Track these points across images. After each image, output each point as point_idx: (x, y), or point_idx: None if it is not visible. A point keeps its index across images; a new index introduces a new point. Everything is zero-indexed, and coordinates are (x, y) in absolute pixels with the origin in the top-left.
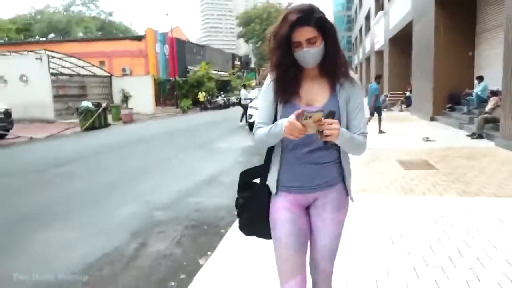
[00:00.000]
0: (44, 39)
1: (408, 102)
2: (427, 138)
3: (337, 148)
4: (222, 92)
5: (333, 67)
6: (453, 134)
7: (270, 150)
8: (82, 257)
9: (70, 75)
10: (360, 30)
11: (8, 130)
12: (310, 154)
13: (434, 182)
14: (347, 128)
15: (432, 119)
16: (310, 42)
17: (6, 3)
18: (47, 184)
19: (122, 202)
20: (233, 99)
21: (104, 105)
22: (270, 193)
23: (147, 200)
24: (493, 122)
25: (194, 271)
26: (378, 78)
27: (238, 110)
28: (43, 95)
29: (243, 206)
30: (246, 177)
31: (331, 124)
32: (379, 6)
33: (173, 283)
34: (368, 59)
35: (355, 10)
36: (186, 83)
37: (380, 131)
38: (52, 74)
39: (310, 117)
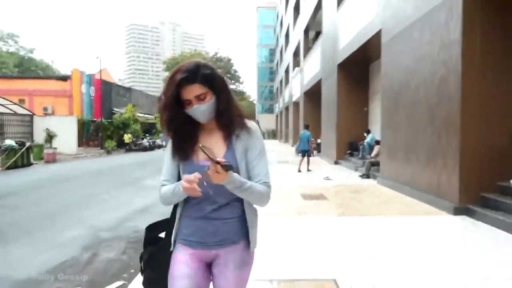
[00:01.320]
0: None
1: (318, 148)
2: (327, 177)
3: (240, 203)
4: (147, 135)
5: (227, 120)
6: (349, 175)
7: (176, 204)
8: (44, 264)
9: None
10: (281, 81)
11: None
12: (213, 211)
13: (323, 208)
14: (249, 178)
15: (336, 162)
16: (199, 98)
17: None
18: (2, 212)
19: (67, 226)
20: (158, 141)
21: (28, 144)
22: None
23: (90, 224)
24: (377, 165)
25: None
26: (307, 126)
27: (163, 152)
28: None
29: (147, 263)
30: (151, 231)
31: (218, 172)
32: (297, 62)
33: (125, 275)
34: (287, 108)
35: (276, 63)
36: (112, 125)
37: (308, 170)
38: None
39: (209, 155)
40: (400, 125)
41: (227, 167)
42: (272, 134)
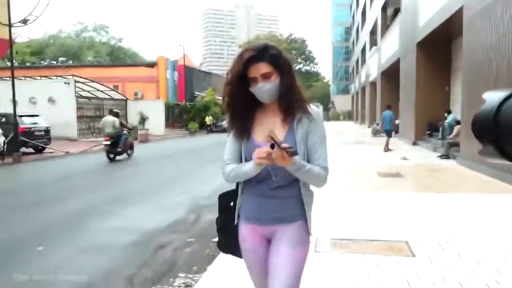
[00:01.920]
0: (58, 63)
1: (396, 128)
2: (405, 157)
3: (298, 184)
4: (226, 117)
5: (290, 102)
6: (427, 155)
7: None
8: (161, 221)
9: (91, 98)
10: (357, 61)
11: (46, 145)
12: (271, 190)
13: (398, 184)
14: (309, 161)
15: (414, 143)
16: (265, 76)
17: (23, 28)
18: (112, 183)
19: (173, 194)
20: None
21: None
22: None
23: (191, 193)
24: (456, 145)
25: None
26: (389, 107)
27: None
28: (68, 116)
29: (219, 228)
30: (224, 199)
31: (283, 158)
32: (374, 41)
33: None
34: (363, 89)
35: (352, 42)
36: (194, 108)
37: (387, 149)
38: (77, 96)
39: (275, 141)
40: (480, 103)
41: (293, 153)
42: (348, 115)
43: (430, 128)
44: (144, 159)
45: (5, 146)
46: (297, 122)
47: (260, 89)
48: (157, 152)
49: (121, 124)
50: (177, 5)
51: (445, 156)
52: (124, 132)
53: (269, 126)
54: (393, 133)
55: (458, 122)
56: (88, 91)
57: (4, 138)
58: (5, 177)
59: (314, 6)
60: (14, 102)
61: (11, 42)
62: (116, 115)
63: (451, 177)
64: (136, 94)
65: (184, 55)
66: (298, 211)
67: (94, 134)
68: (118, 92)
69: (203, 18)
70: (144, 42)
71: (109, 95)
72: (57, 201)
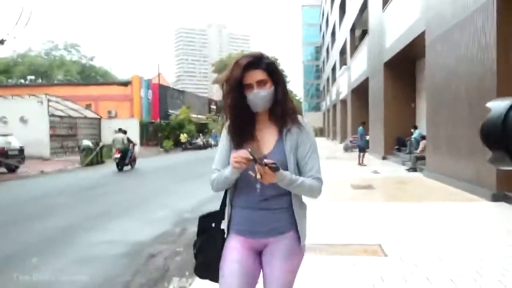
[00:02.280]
0: (27, 82)
1: (367, 144)
2: (375, 171)
3: (289, 195)
4: (201, 134)
5: (282, 112)
6: (396, 169)
7: (225, 195)
8: (149, 234)
9: (64, 117)
10: (328, 79)
11: (20, 164)
12: (262, 201)
13: (371, 195)
14: (300, 173)
15: (384, 158)
16: (261, 84)
17: None
18: (92, 200)
19: (156, 209)
20: (211, 141)
21: (101, 144)
22: (224, 238)
23: (173, 208)
24: (422, 159)
25: None
26: (363, 123)
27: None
28: (41, 135)
29: (199, 250)
30: (204, 221)
31: (267, 173)
32: (343, 60)
33: None
34: (334, 106)
35: (323, 61)
36: (168, 126)
37: (360, 164)
38: (50, 115)
39: (255, 158)
40: (443, 120)
41: (274, 169)
42: (320, 132)
43: (398, 143)
44: (121, 176)
45: None
46: (286, 132)
47: (255, 95)
48: (134, 169)
49: (128, 140)
50: (149, 24)
51: (413, 169)
52: (130, 147)
53: (259, 136)
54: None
55: (423, 137)
56: (61, 110)
57: None
58: None
59: (285, 26)
60: None
61: None
62: (125, 132)
63: (419, 188)
64: (109, 112)
65: (159, 74)
66: (289, 222)
67: (67, 153)
68: (91, 111)
69: (176, 37)
70: (115, 61)
71: (82, 114)
72: (40, 218)
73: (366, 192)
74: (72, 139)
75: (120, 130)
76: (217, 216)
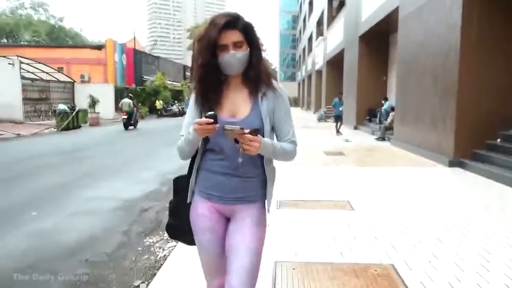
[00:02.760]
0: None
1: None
2: (347, 139)
3: (261, 162)
4: (176, 101)
5: (257, 76)
6: (366, 138)
7: (193, 159)
8: (139, 191)
9: (35, 80)
10: (304, 49)
11: None
12: (235, 168)
13: (342, 161)
14: (277, 137)
15: (355, 127)
16: (237, 46)
17: None
18: (77, 162)
19: (141, 170)
20: (186, 108)
21: (77, 108)
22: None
23: (158, 169)
24: (391, 129)
25: None
26: (340, 94)
27: None
28: (13, 98)
29: (171, 211)
30: (178, 183)
31: (251, 141)
32: (320, 31)
33: None
34: (310, 77)
35: (299, 31)
36: (144, 92)
37: (338, 133)
38: (22, 78)
39: (232, 130)
40: (410, 92)
41: (256, 131)
42: (294, 102)
43: (369, 113)
44: (101, 140)
45: None
46: (262, 96)
47: (231, 57)
48: (113, 134)
49: (134, 104)
50: None
51: (381, 138)
52: (134, 110)
53: (233, 102)
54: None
55: (393, 109)
56: (32, 73)
57: None
58: None
59: None
60: None
61: None
62: (131, 98)
63: (385, 155)
64: (82, 76)
65: (134, 38)
66: (260, 190)
67: (41, 117)
68: (64, 74)
69: (148, 0)
70: (86, 22)
71: (55, 77)
72: (33, 177)
73: (337, 158)
74: (44, 103)
75: (127, 96)
76: (188, 178)
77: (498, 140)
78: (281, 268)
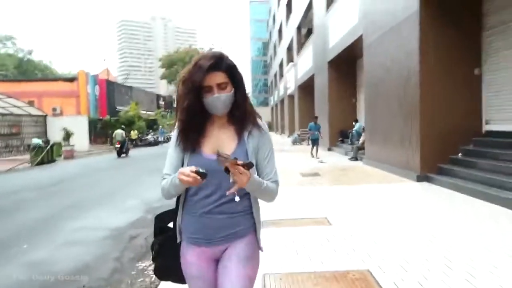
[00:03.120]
0: None
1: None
2: (321, 161)
3: (248, 197)
4: (151, 131)
5: (242, 115)
6: (340, 158)
7: (178, 197)
8: (125, 220)
9: (6, 115)
10: (275, 75)
11: None
12: (218, 206)
13: (317, 181)
14: (259, 175)
15: (329, 149)
16: (221, 87)
17: None
18: (60, 194)
19: (124, 199)
20: (161, 137)
21: (51, 142)
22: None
23: (141, 198)
24: (363, 149)
25: None
26: (315, 118)
27: (166, 146)
28: None
29: (157, 252)
30: (160, 221)
31: (241, 173)
32: (290, 57)
33: None
34: (282, 101)
35: (270, 57)
36: (118, 122)
37: (313, 156)
38: None
39: (226, 158)
40: (378, 114)
41: (248, 165)
42: (268, 126)
43: (341, 135)
44: (78, 173)
45: None
46: (248, 134)
47: (215, 99)
48: (89, 166)
49: (126, 135)
50: (90, 15)
51: (354, 158)
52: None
53: (218, 139)
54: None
55: (364, 130)
56: (3, 107)
57: None
58: None
59: (232, 21)
60: None
61: None
62: (123, 129)
63: (359, 174)
64: (54, 109)
65: (107, 70)
66: (248, 225)
67: (12, 152)
68: (36, 108)
69: (118, 29)
70: (55, 54)
71: (26, 111)
72: (17, 211)
73: (313, 179)
74: (16, 138)
75: (120, 127)
76: (174, 214)
77: (460, 154)
78: (269, 279)
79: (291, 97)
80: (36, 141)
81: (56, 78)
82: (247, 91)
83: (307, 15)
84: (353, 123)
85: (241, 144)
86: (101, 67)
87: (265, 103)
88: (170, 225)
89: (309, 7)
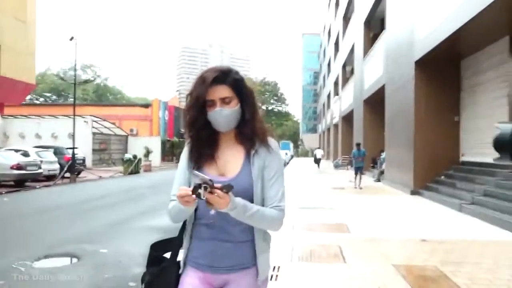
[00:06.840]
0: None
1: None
2: (350, 180)
3: (252, 226)
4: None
5: (250, 132)
6: (367, 180)
7: (184, 223)
8: None
9: (98, 133)
10: (324, 104)
11: (82, 171)
12: (225, 233)
13: (343, 193)
14: (264, 199)
15: (362, 173)
16: (225, 102)
17: None
18: (152, 194)
19: None
20: None
21: (138, 157)
22: (179, 273)
23: None
24: (382, 173)
25: None
26: (358, 145)
27: None
28: (85, 149)
29: (148, 284)
30: (156, 250)
31: (220, 197)
32: (336, 90)
33: None
34: (329, 129)
35: (320, 86)
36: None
37: (356, 187)
38: (93, 133)
39: (201, 179)
40: (392, 146)
41: (227, 188)
42: None
43: (373, 162)
44: (159, 182)
45: (65, 170)
46: (254, 153)
47: (217, 114)
48: (167, 177)
49: None
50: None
51: (378, 180)
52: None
53: (224, 158)
54: (348, 167)
55: None
56: (95, 128)
57: (58, 165)
58: (75, 190)
59: (285, 51)
60: (74, 137)
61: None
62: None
63: (373, 190)
64: (132, 130)
65: (178, 98)
66: (254, 256)
67: (104, 164)
68: (121, 129)
69: (179, 56)
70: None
71: (112, 131)
72: (142, 199)
73: (340, 191)
74: (104, 153)
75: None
76: (173, 244)
77: (442, 177)
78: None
79: (336, 126)
80: (128, 156)
81: (134, 104)
82: (258, 107)
83: (351, 56)
84: (381, 153)
85: (246, 164)
86: (169, 93)
87: (314, 130)
88: (167, 255)
89: (352, 50)
